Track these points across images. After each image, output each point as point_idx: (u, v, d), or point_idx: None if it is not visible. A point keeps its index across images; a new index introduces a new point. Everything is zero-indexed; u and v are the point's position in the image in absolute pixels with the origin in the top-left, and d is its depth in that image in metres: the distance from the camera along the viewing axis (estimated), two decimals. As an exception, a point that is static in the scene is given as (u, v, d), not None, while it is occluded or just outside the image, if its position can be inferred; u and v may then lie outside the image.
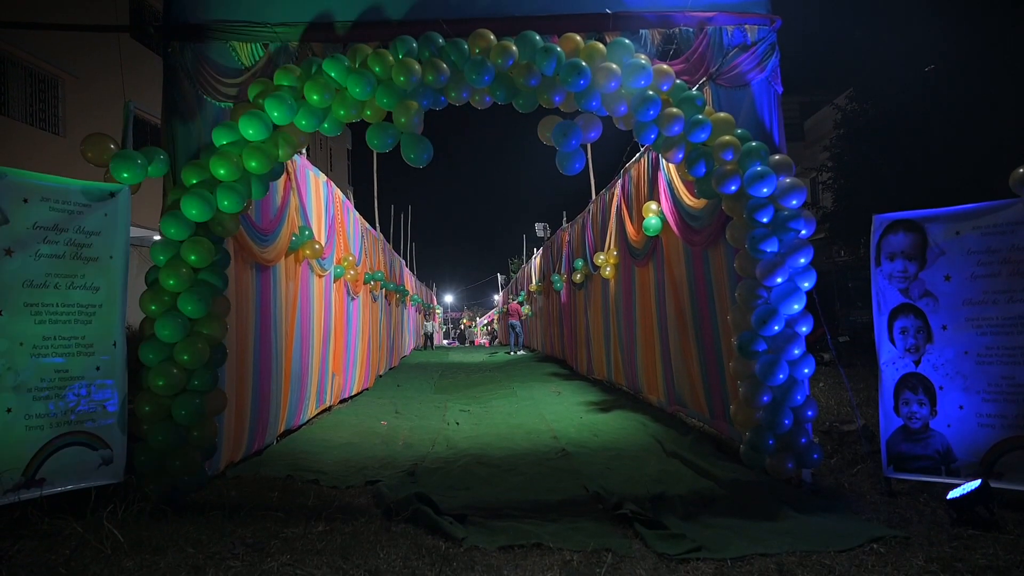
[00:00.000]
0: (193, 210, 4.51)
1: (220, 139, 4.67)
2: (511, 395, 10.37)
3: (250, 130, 4.58)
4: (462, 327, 50.03)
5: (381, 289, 13.71)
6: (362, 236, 11.21)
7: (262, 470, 5.32)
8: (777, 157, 4.85)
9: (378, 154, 16.12)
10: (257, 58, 5.00)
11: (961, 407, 4.30)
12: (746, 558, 3.42)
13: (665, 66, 4.93)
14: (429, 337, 29.08)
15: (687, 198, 6.32)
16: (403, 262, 20.74)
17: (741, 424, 4.97)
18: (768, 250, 4.71)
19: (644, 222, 7.55)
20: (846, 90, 19.98)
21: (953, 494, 3.91)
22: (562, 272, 14.65)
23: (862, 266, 16.66)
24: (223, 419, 5.07)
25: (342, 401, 9.65)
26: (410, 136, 4.77)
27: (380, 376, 13.63)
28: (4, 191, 4.00)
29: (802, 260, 4.72)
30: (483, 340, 43.38)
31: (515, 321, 22.81)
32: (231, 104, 4.94)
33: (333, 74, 4.60)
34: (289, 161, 5.65)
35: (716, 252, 6.00)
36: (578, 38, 4.84)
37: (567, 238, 14.15)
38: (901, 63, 16.47)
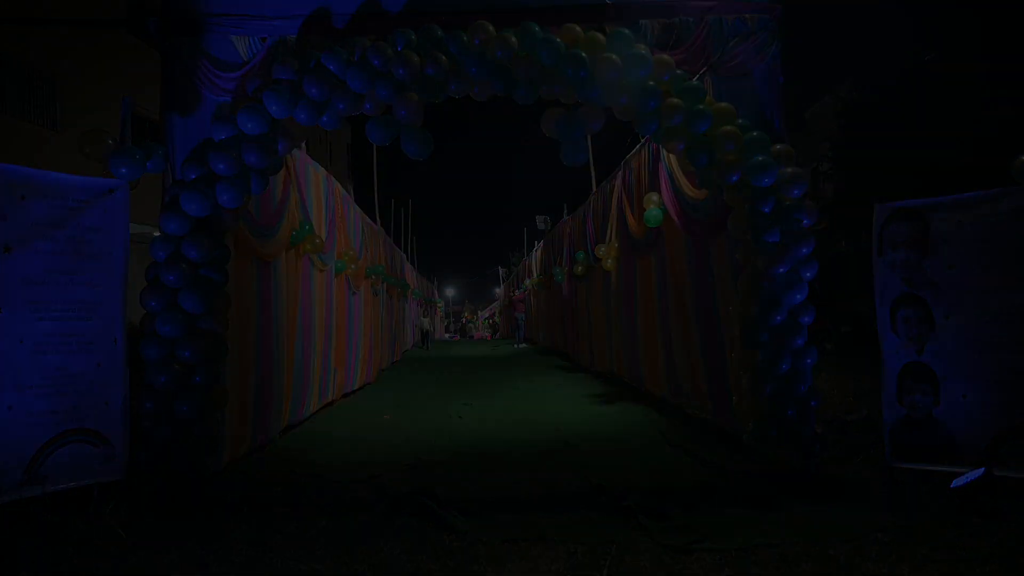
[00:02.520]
0: (192, 205, 4.49)
1: (219, 133, 4.64)
2: (513, 388, 10.38)
3: (249, 124, 4.55)
4: (463, 321, 49.99)
5: (382, 283, 13.70)
6: (363, 230, 11.19)
7: (265, 465, 5.33)
8: (778, 147, 4.82)
9: (378, 148, 16.08)
10: (255, 52, 4.97)
11: (964, 396, 4.28)
12: (750, 548, 3.43)
13: (665, 56, 4.90)
14: (426, 335, 23.99)
15: (688, 189, 6.29)
16: (404, 256, 20.72)
17: (744, 415, 4.97)
18: (770, 240, 4.69)
19: (645, 213, 7.52)
20: (847, 79, 19.88)
21: (956, 482, 3.91)
22: (563, 265, 14.62)
23: (864, 256, 16.62)
24: (225, 415, 5.07)
25: (344, 395, 9.65)
26: (410, 129, 4.75)
27: (382, 370, 13.64)
28: (1, 188, 3.98)
29: (804, 250, 4.70)
30: (484, 334, 43.42)
31: (520, 314, 22.83)
32: (229, 98, 4.91)
33: (332, 67, 4.58)
34: (288, 156, 5.63)
35: (718, 242, 5.98)
36: (578, 29, 4.81)
37: (568, 230, 14.12)
38: (902, 52, 16.40)
